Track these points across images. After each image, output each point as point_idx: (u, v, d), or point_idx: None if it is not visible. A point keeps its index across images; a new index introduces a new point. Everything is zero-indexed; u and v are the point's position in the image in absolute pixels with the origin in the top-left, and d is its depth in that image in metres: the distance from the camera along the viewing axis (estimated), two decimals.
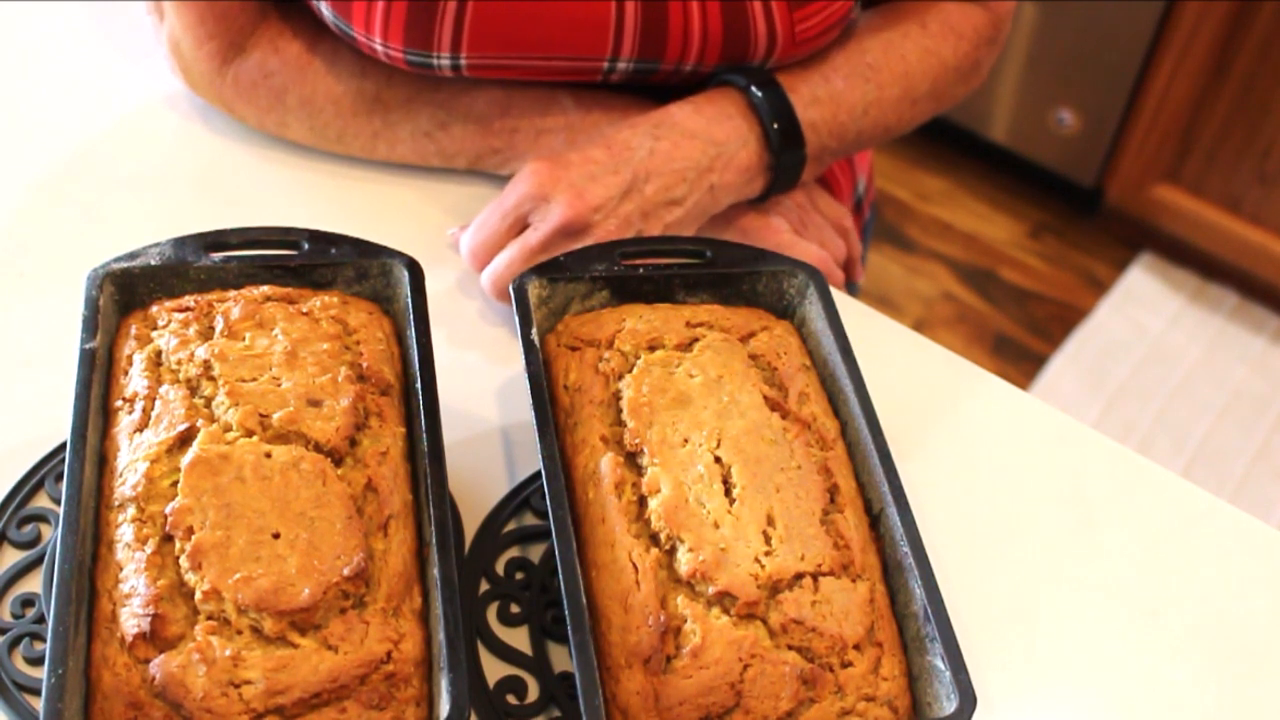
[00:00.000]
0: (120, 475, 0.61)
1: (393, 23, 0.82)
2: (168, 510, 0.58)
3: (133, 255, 0.69)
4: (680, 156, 0.83)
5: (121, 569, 0.58)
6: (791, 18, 0.84)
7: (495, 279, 0.81)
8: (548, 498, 0.62)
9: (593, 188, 0.80)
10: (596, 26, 0.83)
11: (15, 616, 0.66)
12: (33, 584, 0.68)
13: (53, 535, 0.70)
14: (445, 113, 0.90)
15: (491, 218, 0.82)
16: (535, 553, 0.72)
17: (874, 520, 0.65)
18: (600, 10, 0.83)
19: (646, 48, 0.85)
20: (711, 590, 0.59)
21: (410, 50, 0.83)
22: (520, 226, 0.81)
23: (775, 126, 0.85)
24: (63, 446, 0.72)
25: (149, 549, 0.58)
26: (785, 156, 0.86)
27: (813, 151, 0.88)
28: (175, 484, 0.60)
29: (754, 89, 0.86)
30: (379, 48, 0.84)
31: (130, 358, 0.65)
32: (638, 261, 0.73)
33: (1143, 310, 2.25)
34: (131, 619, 0.56)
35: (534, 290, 0.71)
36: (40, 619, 0.66)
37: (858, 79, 0.89)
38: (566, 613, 0.58)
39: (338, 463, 0.62)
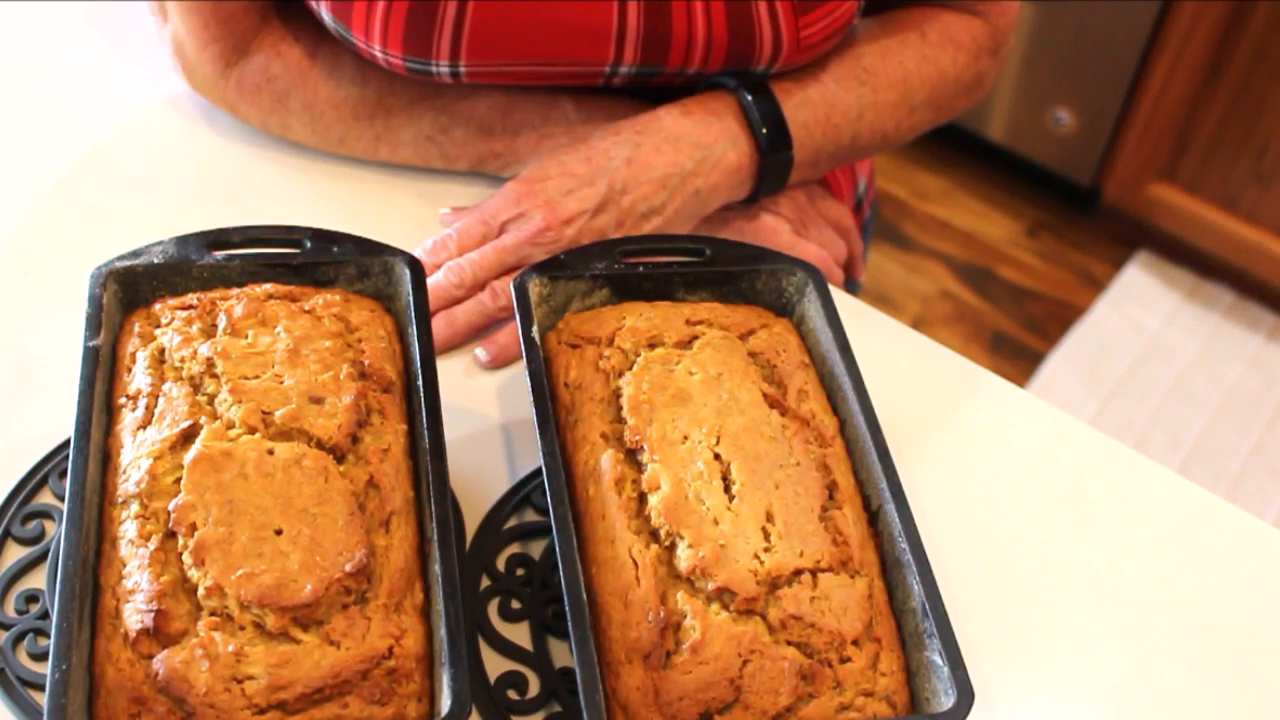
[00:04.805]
0: (124, 472, 0.61)
1: (392, 29, 0.82)
2: (171, 507, 0.59)
3: (136, 253, 0.69)
4: (662, 163, 0.83)
5: (125, 565, 0.58)
6: (797, 23, 0.84)
7: (460, 271, 0.82)
8: (548, 494, 0.62)
9: (567, 202, 0.82)
10: (598, 33, 0.83)
11: (19, 612, 0.67)
12: (37, 580, 0.68)
13: (56, 532, 0.70)
14: (447, 117, 0.90)
15: (472, 224, 0.84)
16: (536, 549, 0.72)
17: (872, 516, 0.66)
18: (602, 16, 0.83)
19: (649, 53, 0.85)
20: (711, 586, 0.59)
21: (410, 57, 0.83)
22: (497, 235, 0.84)
23: (764, 127, 0.85)
24: (66, 443, 0.73)
25: (152, 545, 0.58)
26: (773, 157, 0.86)
27: (805, 154, 0.88)
28: (178, 481, 0.60)
29: (744, 90, 0.86)
30: (379, 54, 0.84)
31: (134, 355, 0.66)
32: (638, 260, 0.74)
33: (1139, 308, 2.25)
34: (135, 615, 0.56)
35: (535, 288, 0.71)
36: (44, 615, 0.66)
37: (852, 81, 0.89)
38: (567, 608, 0.58)
39: (340, 459, 0.62)
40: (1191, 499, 0.80)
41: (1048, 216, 2.41)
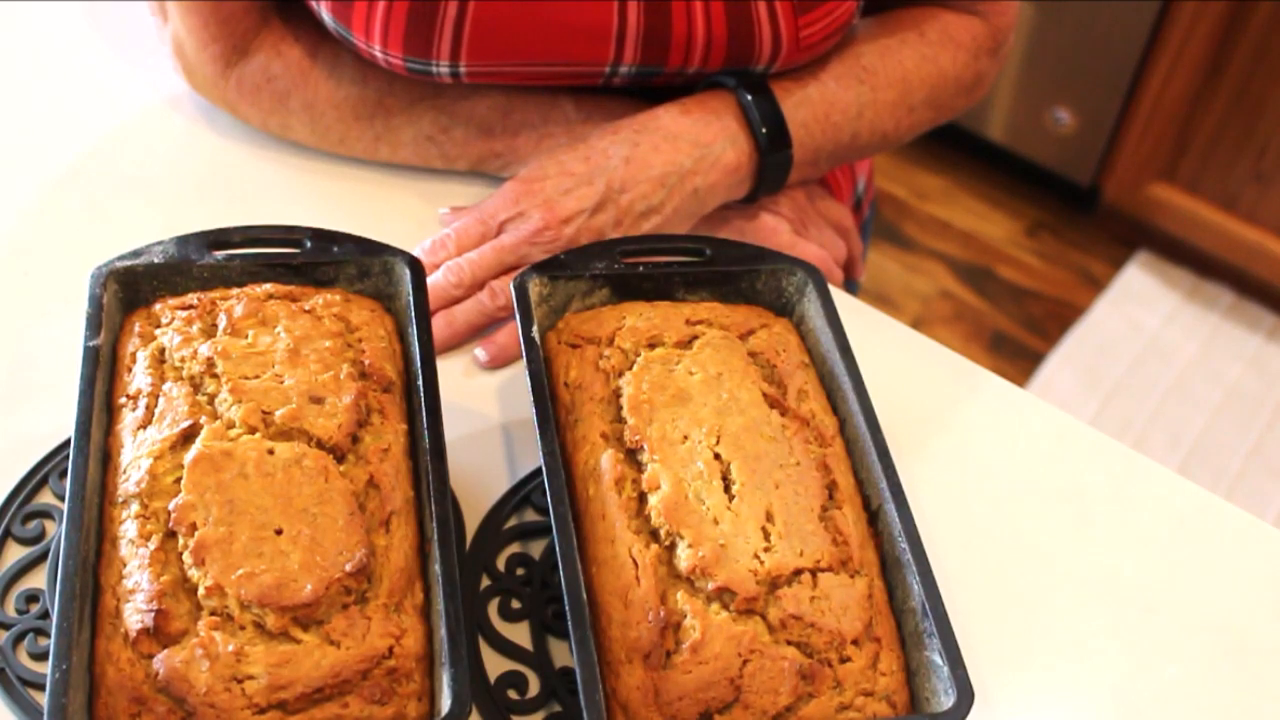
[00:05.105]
0: (124, 472, 0.61)
1: (392, 30, 0.82)
2: (171, 506, 0.59)
3: (136, 253, 0.69)
4: (660, 161, 0.83)
5: (125, 565, 0.58)
6: (796, 22, 0.85)
7: (459, 270, 0.82)
8: (548, 494, 0.62)
9: (565, 201, 0.82)
10: (598, 33, 0.83)
11: (20, 612, 0.67)
12: (37, 580, 0.68)
13: (57, 531, 0.70)
14: (447, 117, 0.90)
15: (470, 223, 0.84)
16: (536, 549, 0.72)
17: (872, 516, 0.66)
18: (602, 16, 0.83)
19: (649, 53, 0.85)
20: (711, 586, 0.59)
21: (410, 58, 0.83)
22: (496, 234, 0.84)
23: (763, 126, 0.85)
24: (67, 443, 0.73)
25: (152, 545, 0.58)
26: (772, 156, 0.86)
27: (805, 153, 0.88)
28: (178, 480, 0.60)
29: (743, 89, 0.86)
30: (379, 54, 0.84)
31: (134, 355, 0.66)
32: (638, 260, 0.74)
33: (1139, 308, 2.25)
34: (135, 614, 0.56)
35: (535, 288, 0.71)
36: (44, 614, 0.66)
37: (851, 80, 0.89)
38: (567, 608, 0.59)
39: (340, 459, 0.62)
40: (1191, 499, 0.80)
41: (1047, 216, 2.41)
